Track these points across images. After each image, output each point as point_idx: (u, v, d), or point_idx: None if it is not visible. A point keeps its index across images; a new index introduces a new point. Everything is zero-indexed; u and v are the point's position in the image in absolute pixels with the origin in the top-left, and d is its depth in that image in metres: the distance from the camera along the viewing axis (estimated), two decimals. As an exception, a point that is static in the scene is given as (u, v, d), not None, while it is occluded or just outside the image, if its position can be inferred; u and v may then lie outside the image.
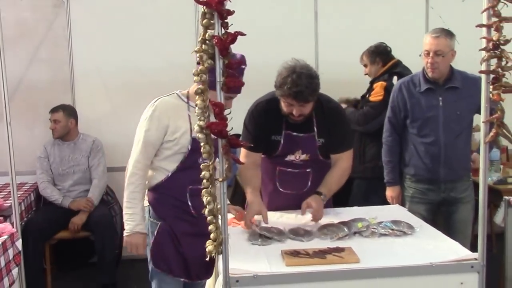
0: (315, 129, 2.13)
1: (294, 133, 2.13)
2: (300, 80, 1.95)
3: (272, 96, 2.12)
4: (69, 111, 3.31)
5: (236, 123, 2.15)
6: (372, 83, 3.10)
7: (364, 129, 3.01)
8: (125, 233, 1.97)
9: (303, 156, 2.16)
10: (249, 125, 2.13)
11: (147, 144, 1.95)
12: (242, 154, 2.15)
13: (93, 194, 3.24)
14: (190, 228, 2.02)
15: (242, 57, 1.86)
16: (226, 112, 1.49)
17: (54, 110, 3.27)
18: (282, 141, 2.13)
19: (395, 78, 2.98)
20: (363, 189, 3.05)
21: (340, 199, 2.41)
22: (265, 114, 2.12)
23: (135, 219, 1.95)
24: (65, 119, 3.27)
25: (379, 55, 3.10)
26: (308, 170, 2.19)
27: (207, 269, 2.03)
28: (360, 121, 3.01)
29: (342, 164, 2.18)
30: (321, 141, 2.14)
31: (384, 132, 2.60)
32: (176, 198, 2.00)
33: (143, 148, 1.95)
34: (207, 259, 1.59)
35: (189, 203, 2.00)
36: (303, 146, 2.15)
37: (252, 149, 2.06)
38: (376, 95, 3.00)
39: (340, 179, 2.18)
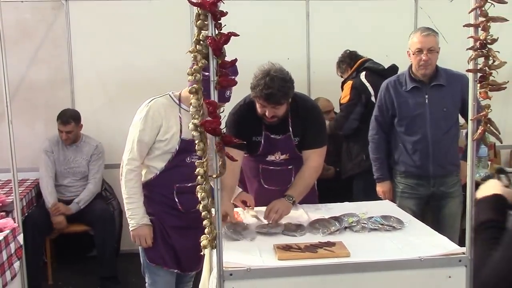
0: (290, 129, 2.18)
1: (272, 136, 2.18)
2: (273, 83, 2.00)
3: (250, 99, 2.17)
4: (77, 118, 3.32)
5: (229, 121, 2.19)
6: (343, 84, 3.19)
7: (344, 132, 3.09)
8: (131, 227, 2.01)
9: (283, 156, 2.22)
10: (231, 126, 2.18)
11: (142, 143, 2.00)
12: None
13: (83, 198, 3.25)
14: (179, 222, 2.08)
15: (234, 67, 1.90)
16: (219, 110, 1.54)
17: (65, 122, 3.23)
18: (262, 142, 2.18)
19: (362, 73, 3.08)
20: (361, 187, 3.11)
21: (342, 199, 2.43)
22: (246, 115, 2.17)
23: (139, 213, 2.01)
24: (75, 128, 3.29)
25: (344, 62, 3.23)
26: (290, 167, 2.25)
27: (197, 261, 2.08)
28: (336, 127, 3.12)
29: (311, 163, 2.20)
30: (297, 140, 2.20)
31: (370, 130, 2.65)
32: (163, 195, 2.06)
33: (138, 147, 2.00)
34: (202, 253, 1.64)
35: (176, 200, 2.06)
36: (281, 147, 2.20)
37: (235, 147, 2.08)
38: (344, 97, 3.09)
39: (309, 179, 2.20)
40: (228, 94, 1.87)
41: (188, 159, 2.03)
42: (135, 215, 2.01)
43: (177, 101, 2.06)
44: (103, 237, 3.18)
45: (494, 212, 1.05)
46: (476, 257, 1.04)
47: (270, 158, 2.21)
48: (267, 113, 2.08)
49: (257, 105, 2.10)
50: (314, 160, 2.20)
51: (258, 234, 1.91)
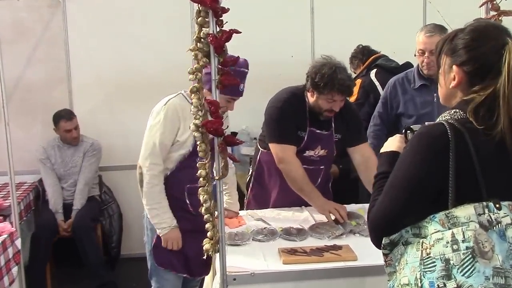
0: (333, 125, 2.18)
1: (318, 131, 2.16)
2: (345, 75, 2.04)
3: (294, 94, 2.16)
4: (74, 114, 3.30)
5: (232, 121, 2.15)
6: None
7: None
8: (163, 232, 1.96)
9: (322, 152, 2.19)
10: (281, 119, 2.12)
11: (162, 146, 1.95)
12: (279, 149, 2.11)
13: (79, 202, 3.16)
14: (189, 226, 2.03)
15: (245, 61, 1.89)
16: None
17: (69, 118, 3.19)
18: (305, 138, 2.15)
19: (373, 71, 3.01)
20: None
21: (348, 200, 2.38)
22: (293, 111, 2.14)
23: (169, 216, 1.97)
24: (77, 123, 3.27)
25: (356, 58, 3.17)
26: (321, 167, 2.23)
27: (207, 265, 2.05)
28: None
29: (372, 155, 2.18)
30: (338, 137, 2.20)
31: (371, 126, 2.59)
32: (174, 196, 2.01)
33: (159, 151, 1.95)
34: (204, 257, 1.59)
35: (187, 201, 2.01)
36: (323, 142, 2.18)
37: (289, 141, 2.10)
38: (352, 96, 3.03)
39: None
40: (242, 87, 1.86)
41: (198, 159, 1.99)
42: (165, 220, 1.96)
43: (190, 100, 2.01)
44: (84, 246, 3.08)
45: (389, 166, 1.15)
46: (370, 202, 1.17)
47: (309, 153, 2.17)
48: (335, 107, 2.07)
49: (323, 102, 2.07)
50: (373, 153, 2.19)
51: (254, 241, 1.86)
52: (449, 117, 1.11)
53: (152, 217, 1.97)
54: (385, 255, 1.12)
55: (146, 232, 2.08)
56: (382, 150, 1.27)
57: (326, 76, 2.00)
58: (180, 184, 2.00)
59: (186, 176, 1.97)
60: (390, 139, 1.29)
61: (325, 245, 1.73)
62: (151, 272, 2.08)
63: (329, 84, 2.00)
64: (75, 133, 3.23)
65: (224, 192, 2.03)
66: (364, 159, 2.19)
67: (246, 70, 1.89)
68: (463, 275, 0.98)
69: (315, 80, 2.03)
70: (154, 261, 2.04)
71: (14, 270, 2.42)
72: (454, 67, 1.14)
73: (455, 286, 0.97)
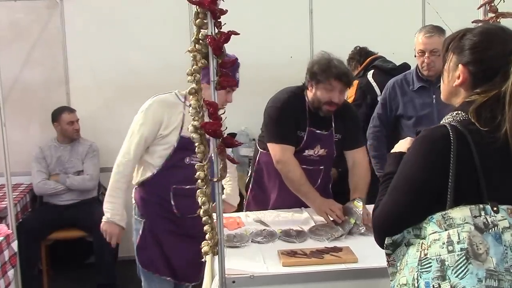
0: (333, 124, 2.17)
1: (318, 131, 2.15)
2: (342, 65, 2.06)
3: (293, 94, 2.15)
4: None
5: (230, 122, 2.14)
6: None
7: None
8: (104, 219, 1.97)
9: (321, 151, 2.18)
10: (280, 119, 2.11)
11: (141, 137, 1.95)
12: (278, 149, 2.10)
13: (74, 181, 3.17)
14: (174, 228, 2.01)
15: (232, 54, 1.89)
16: (220, 112, 1.49)
17: (70, 111, 3.27)
18: (305, 138, 2.14)
19: (370, 72, 3.01)
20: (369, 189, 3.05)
21: (346, 202, 2.38)
22: (293, 110, 2.13)
23: (115, 208, 1.96)
24: (78, 117, 3.31)
25: (354, 59, 3.17)
26: (321, 167, 2.21)
27: (196, 272, 2.02)
28: None
29: (364, 163, 2.20)
30: (338, 137, 2.19)
31: (371, 127, 2.59)
32: (160, 196, 2.00)
33: (136, 140, 1.95)
34: (202, 259, 1.58)
35: (172, 203, 2.00)
36: (323, 142, 2.18)
37: (288, 142, 2.09)
38: (349, 97, 3.03)
39: (367, 177, 2.18)
40: (237, 77, 1.87)
41: (188, 160, 1.97)
42: (109, 210, 1.97)
43: (182, 99, 2.00)
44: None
45: (397, 166, 1.15)
46: (376, 202, 1.17)
47: (308, 152, 2.16)
48: (334, 99, 2.06)
49: (321, 92, 2.05)
50: (365, 159, 2.22)
51: (253, 243, 1.84)
52: (452, 119, 1.11)
53: (105, 200, 1.98)
54: (387, 255, 1.13)
55: (134, 232, 2.08)
56: (392, 150, 1.28)
57: (323, 63, 2.03)
58: (166, 185, 1.98)
59: (173, 176, 1.96)
60: (401, 141, 1.29)
61: (325, 247, 1.72)
62: (139, 271, 2.07)
63: (327, 70, 2.01)
64: (77, 125, 3.27)
65: (225, 185, 2.01)
66: (354, 163, 2.19)
67: (238, 60, 1.89)
68: (456, 276, 0.98)
69: (312, 70, 2.05)
70: (138, 262, 2.03)
71: (10, 273, 2.40)
72: (460, 66, 1.14)
73: (449, 287, 0.99)
